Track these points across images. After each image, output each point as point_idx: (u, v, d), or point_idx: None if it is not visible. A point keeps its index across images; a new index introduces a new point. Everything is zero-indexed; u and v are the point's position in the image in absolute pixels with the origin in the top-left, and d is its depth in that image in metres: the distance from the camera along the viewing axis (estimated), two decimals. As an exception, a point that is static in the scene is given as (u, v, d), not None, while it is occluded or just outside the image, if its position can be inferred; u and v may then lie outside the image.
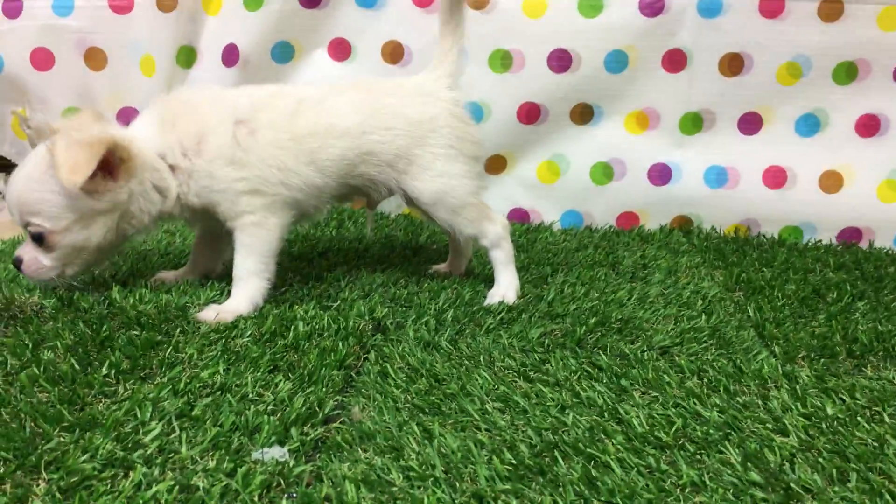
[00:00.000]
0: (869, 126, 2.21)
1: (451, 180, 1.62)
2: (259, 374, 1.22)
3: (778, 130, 2.24)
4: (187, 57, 2.30)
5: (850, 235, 2.26)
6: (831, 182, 2.24)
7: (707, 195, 2.30)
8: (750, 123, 2.25)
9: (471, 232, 1.65)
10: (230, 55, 2.26)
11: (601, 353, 1.39)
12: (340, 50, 2.29)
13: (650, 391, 1.25)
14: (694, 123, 2.26)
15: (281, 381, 1.20)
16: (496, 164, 2.34)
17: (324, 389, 1.18)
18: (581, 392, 1.23)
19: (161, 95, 1.62)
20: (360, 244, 2.04)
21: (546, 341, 1.43)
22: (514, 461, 1.02)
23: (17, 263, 1.47)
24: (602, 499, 0.95)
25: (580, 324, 1.51)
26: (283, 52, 2.28)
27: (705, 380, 1.30)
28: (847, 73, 2.17)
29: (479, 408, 1.17)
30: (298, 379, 1.21)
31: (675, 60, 2.21)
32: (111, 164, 1.42)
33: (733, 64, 2.19)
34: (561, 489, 0.97)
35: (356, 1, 2.24)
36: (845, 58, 2.16)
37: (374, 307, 1.51)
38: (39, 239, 1.44)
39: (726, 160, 2.27)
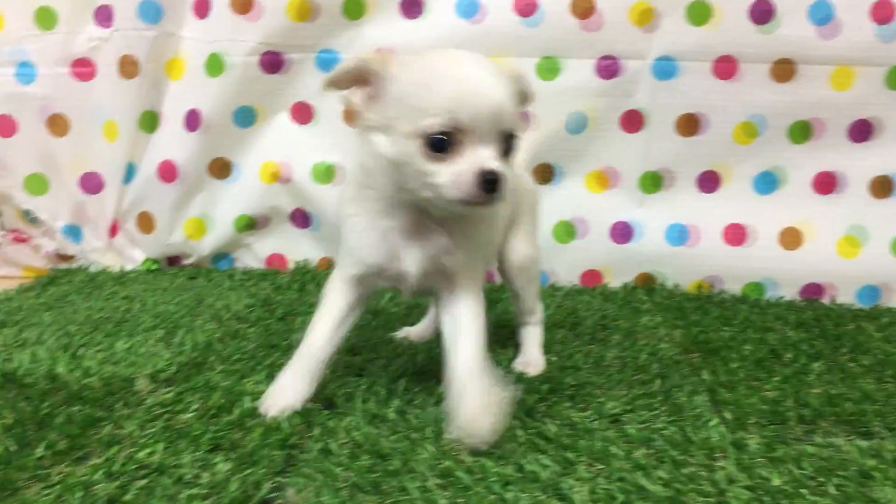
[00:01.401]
0: (825, 183, 2.24)
1: (536, 252, 1.70)
2: (199, 453, 1.20)
3: (736, 188, 2.27)
4: (150, 122, 2.32)
5: (812, 291, 2.27)
6: (791, 238, 2.26)
7: (669, 252, 2.31)
8: (708, 181, 2.28)
9: (530, 305, 1.71)
10: (192, 120, 2.28)
11: (550, 422, 1.38)
12: (303, 113, 2.31)
13: (596, 463, 1.24)
14: (653, 182, 2.28)
15: (220, 461, 1.18)
16: (459, 224, 2.35)
17: (262, 470, 1.16)
18: (526, 465, 1.22)
19: None
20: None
21: (496, 411, 1.42)
22: (448, 544, 1.00)
23: (498, 177, 1.19)
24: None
25: (532, 391, 1.51)
26: (245, 117, 2.30)
27: (653, 450, 1.29)
28: (802, 131, 2.21)
29: (420, 485, 1.15)
30: (238, 459, 1.19)
31: (632, 121, 2.24)
32: None
33: (690, 124, 2.22)
34: (493, 574, 0.95)
35: (316, 65, 2.26)
36: (800, 117, 2.20)
37: (324, 381, 1.50)
38: (510, 150, 1.25)
39: (687, 218, 2.29)
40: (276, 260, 2.41)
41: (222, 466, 1.16)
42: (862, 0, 2.11)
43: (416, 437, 1.30)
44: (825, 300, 2.27)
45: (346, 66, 1.25)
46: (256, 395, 1.40)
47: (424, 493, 1.13)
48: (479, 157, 1.19)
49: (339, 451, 1.25)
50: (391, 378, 1.54)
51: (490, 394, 1.29)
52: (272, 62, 2.25)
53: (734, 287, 2.31)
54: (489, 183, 1.19)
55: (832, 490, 1.17)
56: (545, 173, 2.30)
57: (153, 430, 1.27)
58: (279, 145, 2.32)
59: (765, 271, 2.28)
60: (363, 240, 1.35)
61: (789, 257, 2.27)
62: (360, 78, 1.25)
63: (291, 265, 2.40)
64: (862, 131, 2.19)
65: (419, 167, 1.21)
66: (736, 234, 2.28)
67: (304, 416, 1.34)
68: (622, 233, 2.32)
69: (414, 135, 1.19)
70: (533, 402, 1.46)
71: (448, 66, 1.22)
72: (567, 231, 2.33)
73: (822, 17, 2.11)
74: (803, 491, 1.16)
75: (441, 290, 1.39)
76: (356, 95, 1.27)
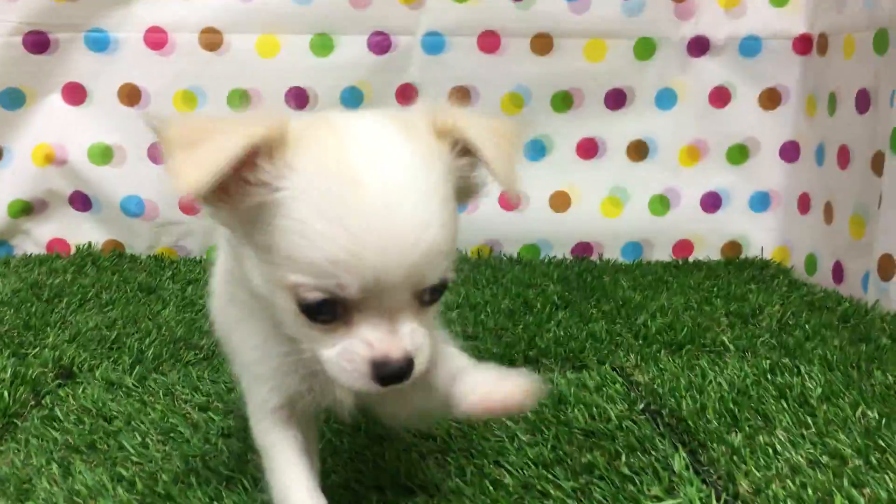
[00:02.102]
0: (588, 149, 2.41)
1: None
2: (-89, 429, 1.20)
3: (509, 156, 2.40)
4: None
5: (582, 250, 2.44)
6: (560, 201, 2.42)
7: (451, 220, 2.41)
8: (483, 151, 2.40)
9: None
10: (-46, 104, 2.20)
11: (288, 378, 1.44)
12: (75, 94, 2.27)
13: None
14: (431, 153, 2.38)
15: (-69, 434, 1.18)
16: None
17: (-27, 439, 1.17)
18: (251, 416, 1.28)
19: None
20: (94, 288, 2.00)
21: (238, 371, 1.47)
22: (145, 490, 1.05)
23: (402, 368, 0.81)
24: (219, 517, 1.00)
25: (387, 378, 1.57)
26: (13, 99, 2.24)
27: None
28: (563, 101, 2.36)
29: (138, 442, 1.19)
30: (-49, 431, 1.19)
31: (407, 95, 2.33)
32: None
33: (460, 96, 2.33)
34: (183, 512, 1.01)
35: (87, 45, 2.23)
36: (560, 87, 2.35)
37: (62, 353, 1.50)
38: (433, 299, 0.84)
39: (465, 186, 2.40)
40: (57, 245, 2.36)
41: (-69, 440, 1.16)
42: (608, -24, 2.28)
43: (149, 400, 1.34)
44: (594, 257, 2.44)
45: (230, 146, 0.75)
46: (-13, 371, 1.39)
47: (141, 449, 1.17)
48: (378, 333, 0.80)
49: (63, 417, 1.27)
50: (141, 349, 1.57)
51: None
52: (37, 42, 2.20)
53: (512, 250, 2.44)
54: (389, 377, 0.81)
55: (529, 416, 1.29)
56: (327, 148, 2.35)
57: None
58: (52, 127, 2.26)
59: (538, 233, 2.43)
60: (266, 364, 0.93)
61: (559, 219, 2.42)
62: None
63: (74, 250, 2.35)
64: (617, 100, 2.37)
65: (295, 327, 0.83)
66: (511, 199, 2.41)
67: (31, 385, 1.35)
68: (405, 203, 2.41)
69: (284, 286, 0.79)
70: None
71: (345, 182, 0.76)
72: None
73: (573, -8, 2.27)
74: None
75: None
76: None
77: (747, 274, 2.23)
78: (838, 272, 2.11)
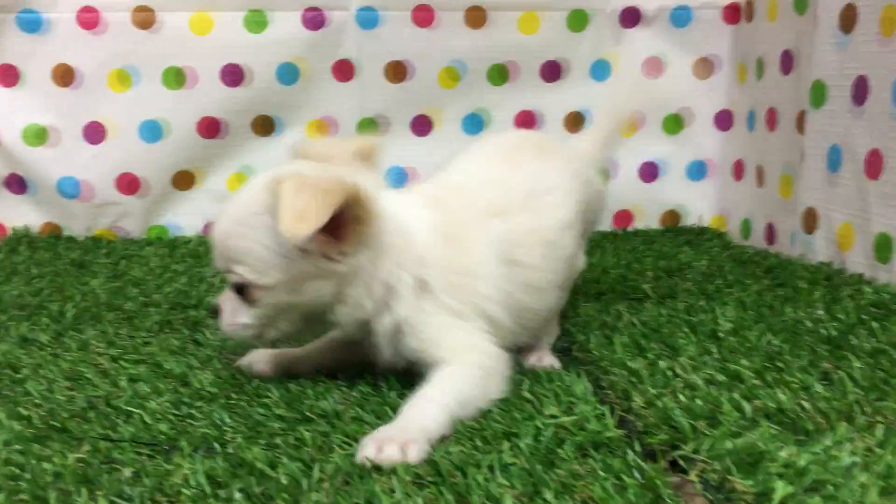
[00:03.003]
0: (526, 121, 2.43)
1: None
2: None
3: (448, 130, 2.42)
4: None
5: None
6: (499, 174, 2.43)
7: (391, 195, 2.42)
8: (422, 125, 2.41)
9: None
10: None
11: (206, 332, 1.44)
12: (8, 75, 2.25)
13: (234, 355, 1.31)
14: (370, 128, 2.39)
15: None
16: (184, 180, 2.37)
17: None
18: (164, 364, 1.28)
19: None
20: (25, 264, 1.99)
21: (157, 327, 1.47)
22: (41, 425, 1.04)
23: (215, 312, 1.21)
24: (111, 445, 0.99)
25: (205, 309, 1.57)
26: (-54, 82, 2.23)
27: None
28: (499, 74, 2.38)
29: (44, 387, 1.18)
30: None
31: (344, 70, 2.34)
32: (343, 222, 1.09)
33: (397, 71, 2.35)
34: (76, 441, 1.00)
35: (18, 26, 2.22)
36: (496, 60, 2.37)
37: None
38: (240, 290, 1.16)
39: (405, 161, 2.40)
40: (-6, 229, 2.35)
41: None
42: (539, -52, 2.31)
43: (61, 353, 1.33)
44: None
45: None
46: None
47: (46, 393, 1.16)
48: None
49: (-29, 369, 1.26)
50: (62, 311, 1.56)
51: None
52: (-32, 24, 2.19)
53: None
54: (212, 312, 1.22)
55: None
56: (265, 125, 2.36)
57: None
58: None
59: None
60: None
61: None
62: None
63: (11, 233, 2.33)
64: (552, 72, 2.40)
65: None
66: (450, 174, 2.42)
67: (-60, 342, 1.34)
68: (345, 179, 2.41)
69: None
70: (200, 317, 1.53)
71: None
72: (292, 181, 2.40)
73: (504, -35, 2.30)
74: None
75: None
76: None
77: (682, 239, 2.26)
78: (770, 233, 2.14)
